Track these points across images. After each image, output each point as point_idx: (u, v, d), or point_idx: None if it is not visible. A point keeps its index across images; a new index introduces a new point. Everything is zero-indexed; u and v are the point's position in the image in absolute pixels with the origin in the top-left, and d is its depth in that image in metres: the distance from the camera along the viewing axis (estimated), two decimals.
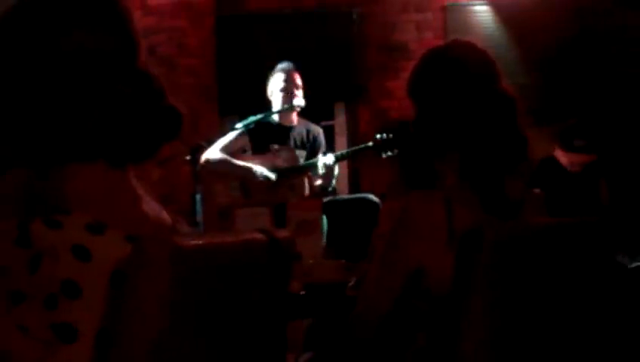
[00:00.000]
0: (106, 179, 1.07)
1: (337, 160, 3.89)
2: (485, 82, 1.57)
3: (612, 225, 1.61)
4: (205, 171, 3.84)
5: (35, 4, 1.07)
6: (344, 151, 4.19)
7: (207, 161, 3.86)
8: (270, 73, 4.07)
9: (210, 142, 3.95)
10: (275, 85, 4.01)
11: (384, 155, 3.84)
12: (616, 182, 4.03)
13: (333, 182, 4.00)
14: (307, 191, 3.95)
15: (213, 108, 5.21)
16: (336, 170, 3.91)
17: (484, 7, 5.35)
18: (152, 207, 1.13)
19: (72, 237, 0.99)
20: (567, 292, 1.50)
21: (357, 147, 4.10)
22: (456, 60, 1.60)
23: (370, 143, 3.89)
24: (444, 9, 5.34)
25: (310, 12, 5.32)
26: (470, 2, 5.36)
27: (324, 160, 3.87)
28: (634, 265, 2.22)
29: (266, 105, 4.10)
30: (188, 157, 3.44)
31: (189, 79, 5.20)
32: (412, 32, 5.34)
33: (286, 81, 3.96)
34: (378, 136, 3.85)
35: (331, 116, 5.43)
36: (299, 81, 3.99)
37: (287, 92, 3.94)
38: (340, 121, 5.47)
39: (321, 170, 3.87)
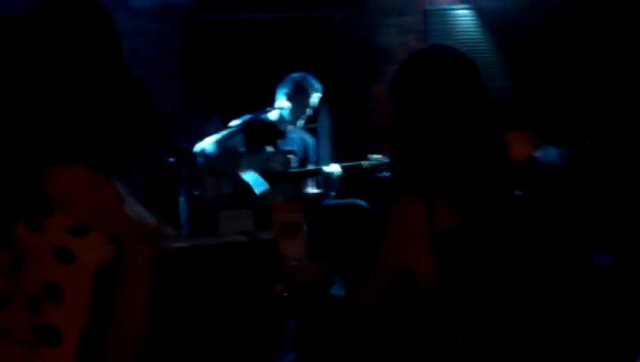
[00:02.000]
0: (89, 181, 1.07)
1: (343, 171, 3.91)
2: (465, 88, 1.58)
3: (591, 224, 1.63)
4: (199, 162, 3.84)
5: (17, 7, 1.06)
6: (348, 163, 4.21)
7: (203, 153, 3.86)
8: (291, 79, 4.04)
9: (193, 144, 3.95)
10: (293, 92, 3.99)
11: (377, 176, 3.88)
12: (598, 179, 4.07)
13: (334, 192, 4.02)
14: (300, 194, 3.98)
15: (196, 111, 5.20)
16: (339, 183, 3.94)
17: (466, 12, 5.38)
18: (134, 209, 1.12)
19: (54, 240, 0.99)
20: (549, 291, 1.52)
21: (357, 162, 4.11)
22: (437, 65, 1.61)
23: (363, 163, 3.93)
24: (425, 13, 5.37)
25: (292, 15, 5.32)
26: (451, 6, 5.39)
27: (331, 170, 3.89)
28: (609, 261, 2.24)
29: (249, 106, 4.10)
30: (171, 160, 3.43)
31: (172, 82, 5.18)
32: (394, 36, 5.36)
33: (307, 91, 3.97)
34: (374, 156, 3.89)
35: (314, 119, 5.44)
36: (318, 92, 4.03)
37: (306, 103, 3.96)
38: (322, 124, 5.48)
39: (326, 179, 3.89)
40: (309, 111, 4.08)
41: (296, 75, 4.08)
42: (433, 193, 1.53)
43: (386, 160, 3.83)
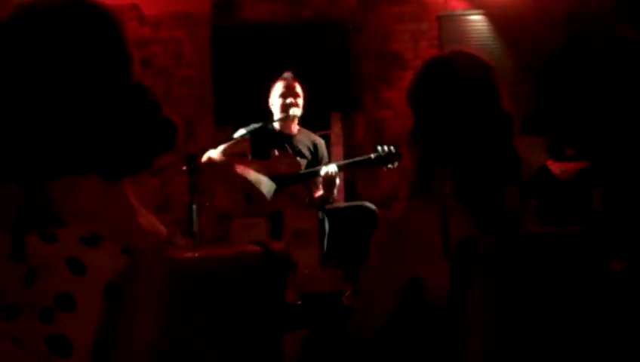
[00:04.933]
0: (101, 192, 1.07)
1: (340, 170, 3.93)
2: (485, 97, 1.57)
3: (606, 234, 1.61)
4: (207, 171, 3.87)
5: (28, 16, 1.07)
6: (347, 161, 4.23)
7: (210, 160, 3.89)
8: (272, 83, 4.12)
9: (205, 151, 3.96)
10: (274, 94, 4.05)
11: (386, 168, 3.89)
12: (610, 190, 4.04)
13: (335, 192, 4.03)
14: (310, 198, 3.99)
15: (209, 118, 5.22)
16: (338, 181, 3.95)
17: (479, 17, 5.37)
18: (147, 218, 1.13)
19: (67, 251, 0.99)
20: (563, 302, 1.51)
21: (359, 158, 4.14)
22: (459, 72, 1.59)
23: (372, 155, 3.93)
24: (438, 19, 5.37)
25: (306, 22, 5.33)
26: (464, 12, 5.39)
27: (327, 169, 3.91)
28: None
29: (263, 114, 4.13)
30: (184, 168, 3.44)
31: (185, 89, 5.21)
32: (407, 42, 5.36)
33: (285, 88, 4.01)
34: (379, 148, 3.90)
35: (327, 126, 5.44)
36: (298, 90, 4.03)
37: (286, 100, 3.99)
38: (336, 131, 5.48)
39: (323, 179, 3.91)
40: (288, 102, 4.04)
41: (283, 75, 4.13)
42: (448, 200, 1.52)
43: (394, 151, 3.84)
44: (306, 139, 4.15)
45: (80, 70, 1.04)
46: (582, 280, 1.54)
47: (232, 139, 3.98)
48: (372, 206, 3.99)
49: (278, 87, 4.04)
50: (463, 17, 5.38)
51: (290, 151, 4.07)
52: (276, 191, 3.91)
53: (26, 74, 1.04)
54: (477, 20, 5.37)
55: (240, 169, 3.96)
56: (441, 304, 1.47)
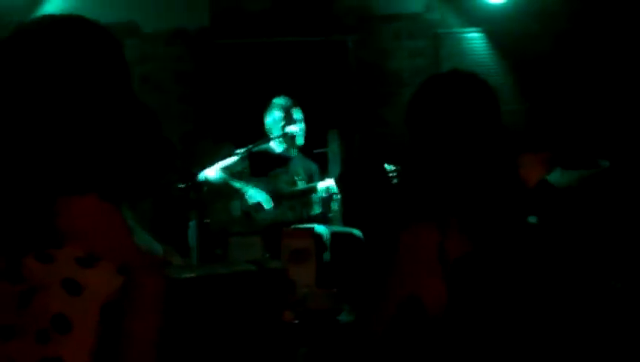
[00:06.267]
0: (98, 212, 1.07)
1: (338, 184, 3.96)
2: (483, 114, 1.57)
3: (607, 249, 1.61)
4: (206, 188, 3.89)
5: (26, 36, 1.07)
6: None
7: (206, 179, 3.92)
8: (267, 107, 4.14)
9: (204, 169, 3.97)
10: (276, 119, 4.06)
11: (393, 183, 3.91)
12: (613, 200, 4.03)
13: (335, 205, 4.05)
14: (307, 214, 4.00)
15: (208, 136, 5.23)
16: (338, 196, 3.97)
17: (476, 35, 5.40)
18: (143, 238, 1.13)
19: (63, 271, 0.99)
20: (561, 318, 1.50)
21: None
22: (457, 91, 1.59)
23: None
24: (436, 36, 5.39)
25: (305, 40, 5.36)
26: (462, 29, 5.41)
27: (326, 183, 3.94)
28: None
29: (261, 131, 4.14)
30: (181, 185, 3.44)
31: (184, 106, 5.22)
32: (405, 60, 5.38)
33: (286, 114, 4.03)
34: (386, 165, 3.92)
35: (325, 143, 5.44)
36: (299, 115, 4.07)
37: (287, 126, 4.02)
38: (333, 149, 5.48)
39: (322, 194, 3.94)
40: (289, 129, 4.09)
41: (279, 100, 4.15)
42: (445, 218, 1.52)
43: (395, 168, 3.87)
44: (302, 163, 4.20)
45: (80, 90, 1.05)
46: (580, 296, 1.54)
47: (232, 156, 4.01)
48: (359, 233, 3.99)
49: (279, 113, 4.06)
50: (461, 35, 5.40)
51: (287, 172, 4.10)
52: (274, 206, 3.93)
53: (25, 92, 1.04)
54: (474, 38, 5.40)
55: (234, 183, 3.98)
56: (438, 321, 1.47)
